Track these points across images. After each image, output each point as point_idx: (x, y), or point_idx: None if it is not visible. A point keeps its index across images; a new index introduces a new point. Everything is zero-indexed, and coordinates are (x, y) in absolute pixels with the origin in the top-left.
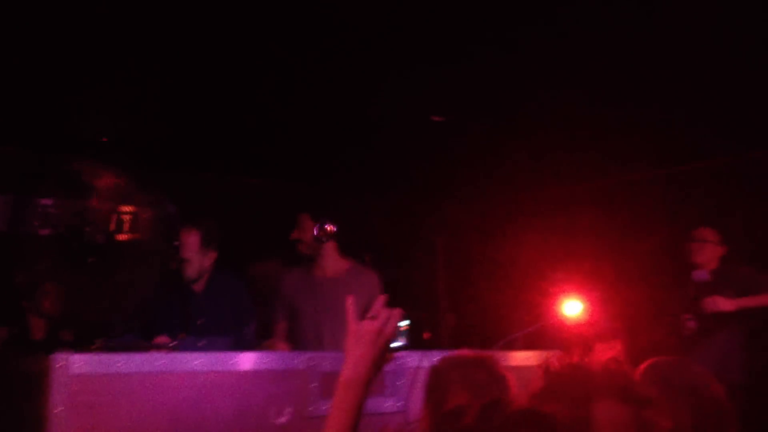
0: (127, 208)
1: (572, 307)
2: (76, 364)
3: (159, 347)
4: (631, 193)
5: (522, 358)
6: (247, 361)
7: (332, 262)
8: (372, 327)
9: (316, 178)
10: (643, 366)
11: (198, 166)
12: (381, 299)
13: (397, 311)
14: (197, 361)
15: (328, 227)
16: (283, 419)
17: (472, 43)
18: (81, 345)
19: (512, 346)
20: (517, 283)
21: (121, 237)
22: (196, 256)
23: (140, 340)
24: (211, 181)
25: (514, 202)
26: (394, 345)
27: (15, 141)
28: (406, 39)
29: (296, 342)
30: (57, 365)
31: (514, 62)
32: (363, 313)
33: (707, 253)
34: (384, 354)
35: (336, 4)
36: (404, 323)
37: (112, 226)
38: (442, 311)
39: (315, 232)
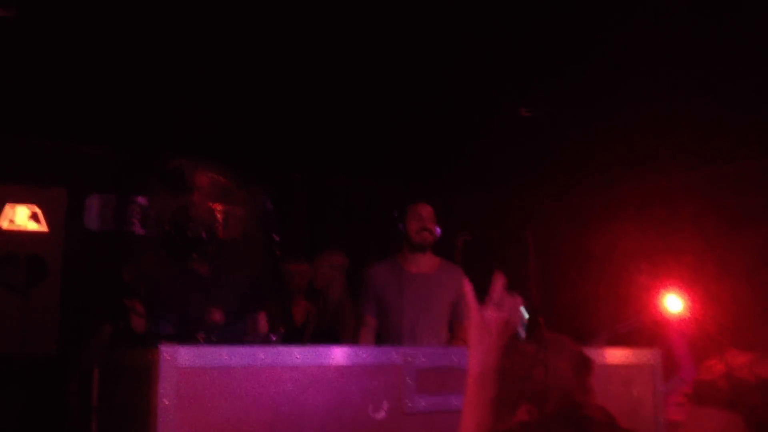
0: (226, 205)
1: (673, 303)
2: (183, 356)
3: (261, 341)
4: (737, 182)
5: (620, 355)
6: (344, 355)
7: (425, 259)
8: (499, 317)
9: (405, 174)
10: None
11: (292, 165)
12: (501, 283)
13: (519, 299)
14: (298, 354)
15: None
16: (381, 414)
17: (563, 34)
18: (184, 338)
19: (610, 342)
20: (613, 278)
21: (223, 233)
22: None
23: (242, 334)
24: (304, 180)
25: (609, 195)
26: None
27: (117, 142)
28: (499, 32)
29: (385, 335)
30: (164, 358)
31: (608, 51)
32: (452, 310)
33: None
34: (510, 344)
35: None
36: (525, 313)
37: (215, 223)
38: (534, 308)
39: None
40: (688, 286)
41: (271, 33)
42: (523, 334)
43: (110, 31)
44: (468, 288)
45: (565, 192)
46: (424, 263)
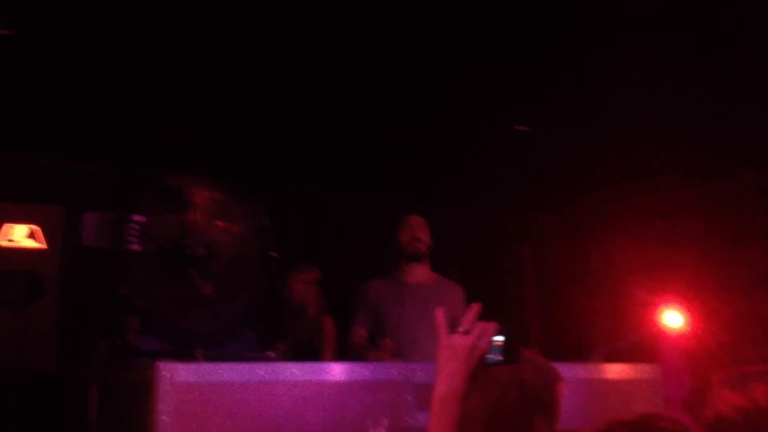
0: (224, 222)
1: (673, 319)
2: (181, 373)
3: (259, 357)
4: (736, 198)
5: (618, 371)
6: (343, 371)
7: (421, 271)
8: (465, 342)
9: (401, 190)
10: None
11: (288, 180)
12: (473, 311)
13: (491, 325)
14: (296, 370)
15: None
16: (380, 431)
17: (561, 49)
18: (182, 355)
19: (608, 358)
20: (612, 293)
21: (220, 250)
22: None
23: (240, 350)
24: (301, 195)
25: (608, 210)
26: (490, 360)
27: (114, 160)
28: (494, 46)
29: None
30: (163, 374)
31: (605, 62)
32: (451, 326)
33: None
34: (478, 369)
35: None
36: (500, 338)
37: (212, 240)
38: (531, 323)
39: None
40: (687, 301)
41: (268, 49)
42: (499, 358)
43: (106, 49)
44: (439, 313)
45: (563, 207)
46: (422, 274)
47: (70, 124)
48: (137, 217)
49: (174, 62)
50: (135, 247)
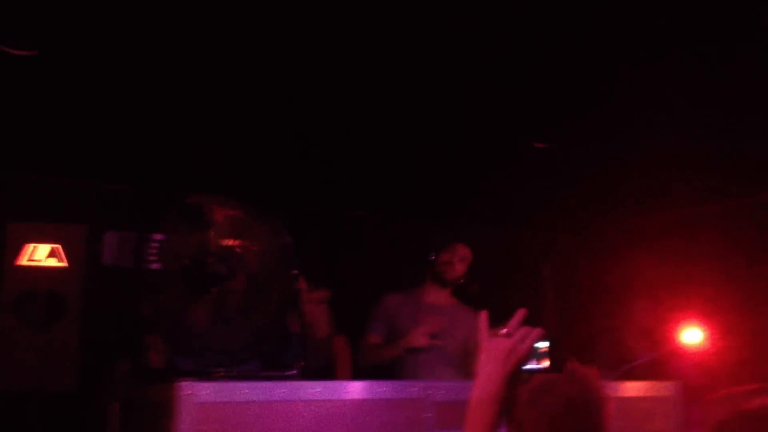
0: (245, 240)
1: (693, 335)
2: (202, 392)
3: (279, 377)
4: (755, 214)
5: (637, 388)
6: (362, 389)
7: (443, 294)
8: (504, 344)
9: (421, 209)
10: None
11: (309, 199)
12: (519, 316)
13: (536, 330)
14: (316, 389)
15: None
16: None
17: (579, 65)
18: (202, 374)
19: (629, 375)
20: (632, 310)
21: (242, 268)
22: None
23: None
24: (321, 214)
25: (627, 227)
26: (532, 367)
27: (135, 179)
28: (514, 64)
29: (398, 364)
30: (183, 393)
31: (625, 80)
32: (464, 353)
33: None
34: (517, 374)
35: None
36: (544, 344)
37: (233, 258)
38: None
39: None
40: (707, 318)
41: (289, 69)
42: (544, 364)
43: (128, 69)
44: (483, 316)
45: (582, 225)
46: (442, 297)
47: (91, 144)
48: (158, 236)
49: (195, 82)
50: (156, 266)
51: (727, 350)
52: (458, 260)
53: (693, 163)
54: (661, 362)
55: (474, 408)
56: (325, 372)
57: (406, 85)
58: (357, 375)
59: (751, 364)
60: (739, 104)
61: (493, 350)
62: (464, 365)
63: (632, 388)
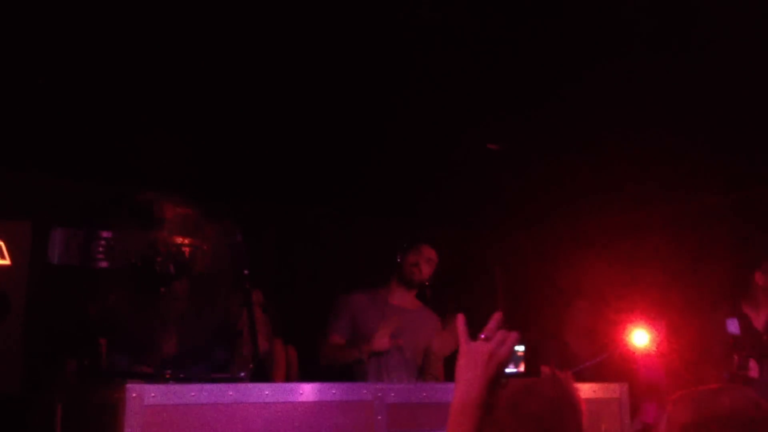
0: (196, 239)
1: (640, 337)
2: (150, 394)
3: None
4: (700, 218)
5: (585, 390)
6: (313, 391)
7: (408, 296)
8: (484, 348)
9: (373, 208)
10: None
11: (262, 196)
12: (496, 318)
13: (514, 334)
14: (267, 391)
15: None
16: None
17: (531, 68)
18: (149, 376)
19: (578, 377)
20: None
21: (192, 267)
22: None
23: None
24: (274, 211)
25: (576, 229)
26: (509, 371)
27: (83, 174)
28: (462, 64)
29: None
30: (131, 396)
31: (575, 83)
32: (425, 349)
33: None
34: (497, 378)
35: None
36: (520, 348)
37: (183, 257)
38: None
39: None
40: (653, 320)
41: (239, 64)
42: (520, 368)
43: (75, 61)
44: (460, 320)
45: (533, 227)
46: (407, 299)
47: (38, 137)
48: (106, 234)
49: (145, 75)
50: (104, 264)
51: (673, 352)
52: (424, 262)
53: (640, 167)
54: (608, 364)
55: (456, 413)
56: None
57: (361, 82)
58: (302, 377)
59: (696, 366)
60: (687, 110)
61: (474, 355)
62: (424, 368)
63: (581, 390)
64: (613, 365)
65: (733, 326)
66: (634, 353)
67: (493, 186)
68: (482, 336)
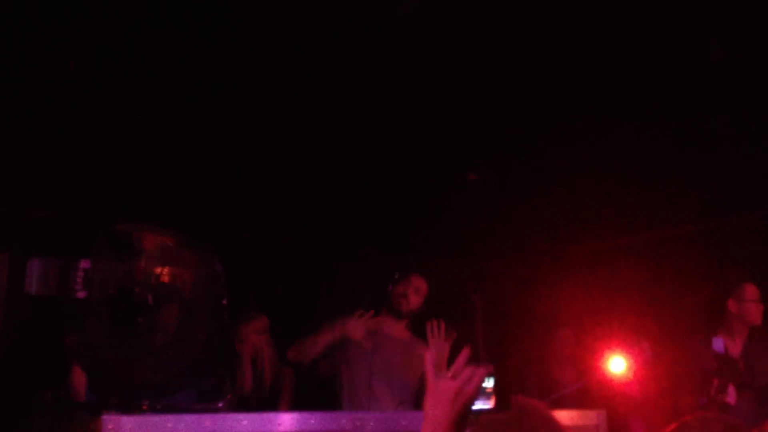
0: (174, 269)
1: (617, 364)
2: (126, 426)
3: (207, 409)
4: (676, 246)
5: (565, 417)
6: (292, 421)
7: (399, 326)
8: (451, 386)
9: (355, 239)
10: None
11: (241, 227)
12: (464, 356)
13: (481, 370)
14: (245, 421)
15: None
16: None
17: (506, 98)
18: (128, 406)
19: (555, 404)
20: (555, 339)
21: (170, 297)
22: None
23: (187, 401)
24: (253, 242)
25: (554, 258)
26: (478, 407)
27: (60, 205)
28: (442, 97)
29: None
30: (107, 427)
31: (553, 114)
32: (419, 383)
33: (760, 314)
34: (465, 416)
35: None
36: (489, 383)
37: (162, 287)
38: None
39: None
40: (630, 347)
41: (217, 97)
42: (490, 405)
43: (52, 91)
44: (428, 357)
45: (511, 256)
46: (397, 329)
47: (14, 168)
48: (84, 264)
49: (123, 106)
50: (81, 294)
51: (650, 379)
52: (413, 292)
53: (617, 196)
54: (586, 391)
55: None
56: (269, 403)
57: (340, 114)
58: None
59: (672, 394)
60: (664, 139)
61: (440, 393)
62: (419, 400)
63: (559, 417)
64: (591, 392)
65: (718, 345)
66: (611, 380)
67: (472, 215)
68: (449, 374)
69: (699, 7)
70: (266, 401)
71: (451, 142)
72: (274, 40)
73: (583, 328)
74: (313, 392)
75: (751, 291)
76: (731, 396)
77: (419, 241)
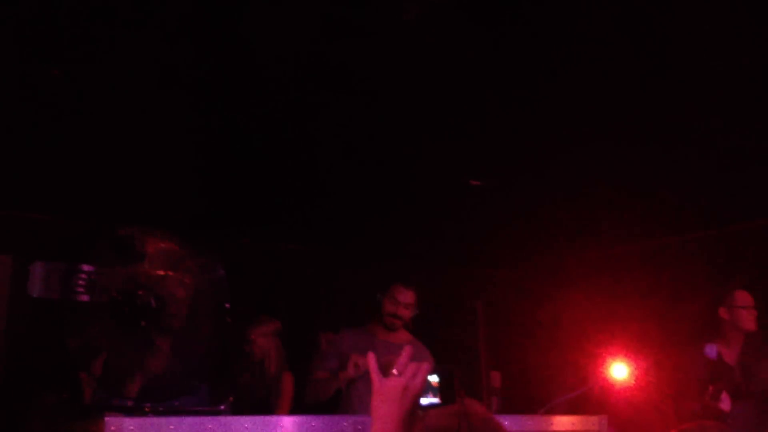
0: (177, 273)
1: (619, 371)
2: (129, 427)
3: (209, 411)
4: (678, 254)
5: (564, 423)
6: (293, 424)
7: (397, 333)
8: (396, 383)
9: (357, 245)
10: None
11: (244, 232)
12: (406, 353)
13: (425, 365)
14: (247, 424)
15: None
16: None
17: (509, 104)
18: (130, 409)
19: (557, 410)
20: (562, 346)
21: (173, 301)
22: None
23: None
24: (256, 247)
25: (557, 265)
26: (425, 402)
27: (64, 209)
28: (443, 102)
29: (348, 402)
30: (110, 429)
31: (555, 123)
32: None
33: (753, 320)
34: (413, 412)
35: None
36: (434, 378)
37: (165, 291)
38: (484, 374)
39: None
40: (632, 354)
41: (220, 102)
42: (436, 399)
43: (57, 98)
44: (370, 358)
45: (514, 263)
46: (396, 335)
47: (19, 174)
48: (87, 267)
49: (126, 113)
50: (84, 297)
51: (652, 386)
52: (402, 308)
53: (620, 203)
54: (587, 397)
55: None
56: (267, 406)
57: (345, 122)
58: (296, 411)
59: (673, 400)
60: (665, 148)
61: (387, 390)
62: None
63: (559, 423)
64: (593, 398)
65: (712, 352)
66: (613, 386)
67: (475, 223)
68: (394, 371)
69: (704, 11)
70: (267, 404)
71: (455, 150)
72: (278, 48)
73: (585, 335)
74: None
75: (741, 297)
76: (725, 403)
77: (422, 248)
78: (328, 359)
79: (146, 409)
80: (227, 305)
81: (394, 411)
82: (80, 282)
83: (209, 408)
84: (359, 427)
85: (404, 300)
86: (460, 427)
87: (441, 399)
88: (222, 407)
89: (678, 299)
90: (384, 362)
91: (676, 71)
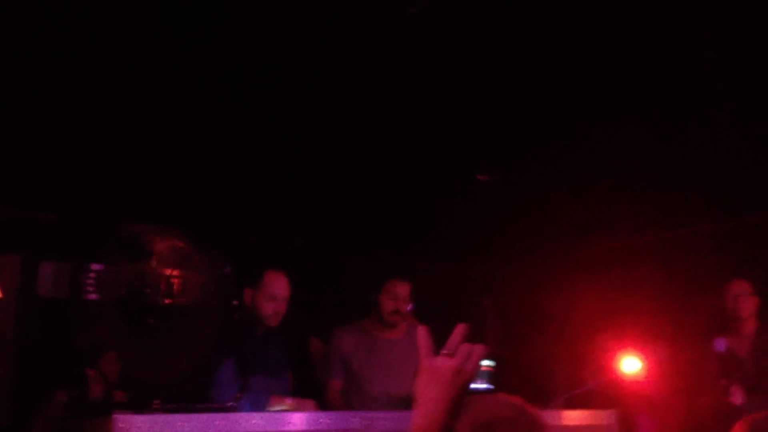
0: (184, 271)
1: (630, 365)
2: (138, 425)
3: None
4: (690, 246)
5: (577, 417)
6: (303, 420)
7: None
8: (450, 364)
9: (364, 241)
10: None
11: (251, 230)
12: (459, 332)
13: (478, 347)
14: (255, 420)
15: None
16: None
17: (518, 97)
18: (139, 406)
19: (568, 404)
20: (572, 340)
21: (180, 299)
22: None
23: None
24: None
25: (566, 258)
26: (475, 387)
27: (72, 209)
28: (453, 100)
29: (350, 401)
30: (118, 426)
31: (565, 115)
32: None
33: (752, 306)
34: (462, 397)
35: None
36: (487, 363)
37: (172, 288)
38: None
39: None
40: (644, 347)
41: (226, 100)
42: (487, 385)
43: (62, 96)
44: (421, 332)
45: (523, 256)
46: (394, 331)
47: (26, 173)
48: (95, 266)
49: (133, 112)
50: (93, 296)
51: (664, 379)
52: (402, 304)
53: (630, 195)
54: (600, 391)
55: None
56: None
57: (351, 118)
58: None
59: (687, 394)
60: (678, 139)
61: (436, 372)
62: None
63: (571, 417)
64: (604, 392)
65: (721, 345)
66: (624, 380)
67: (484, 216)
68: (444, 351)
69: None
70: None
71: (462, 145)
72: (284, 44)
73: (595, 328)
74: (316, 395)
75: (737, 285)
76: (736, 397)
77: (430, 243)
78: (332, 364)
79: (155, 406)
80: (235, 302)
81: (444, 395)
82: (88, 281)
83: (218, 405)
84: (367, 422)
85: (402, 293)
86: (518, 420)
87: (493, 386)
88: (231, 403)
89: (691, 292)
90: (385, 362)
91: (689, 59)
